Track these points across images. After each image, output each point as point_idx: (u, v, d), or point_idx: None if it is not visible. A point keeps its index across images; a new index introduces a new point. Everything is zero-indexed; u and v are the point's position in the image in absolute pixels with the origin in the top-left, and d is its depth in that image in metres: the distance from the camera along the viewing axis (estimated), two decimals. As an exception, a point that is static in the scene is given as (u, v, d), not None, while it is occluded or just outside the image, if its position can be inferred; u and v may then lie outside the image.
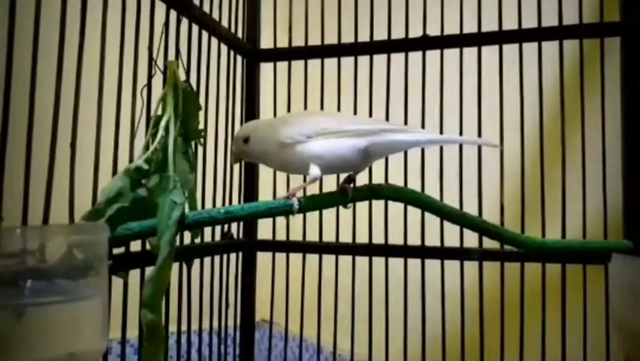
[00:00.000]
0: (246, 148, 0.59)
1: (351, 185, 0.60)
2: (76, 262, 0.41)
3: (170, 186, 0.51)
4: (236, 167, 0.80)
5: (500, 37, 0.73)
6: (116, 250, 0.55)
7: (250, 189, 0.83)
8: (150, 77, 0.60)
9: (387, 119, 0.77)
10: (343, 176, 0.62)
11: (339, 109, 0.80)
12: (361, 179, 0.73)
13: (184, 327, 0.66)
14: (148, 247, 0.58)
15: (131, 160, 0.56)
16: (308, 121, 0.57)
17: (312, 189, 0.67)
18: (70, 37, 0.51)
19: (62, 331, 0.40)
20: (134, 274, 0.57)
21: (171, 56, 0.64)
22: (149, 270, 0.53)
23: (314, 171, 0.55)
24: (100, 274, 0.41)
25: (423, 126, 0.75)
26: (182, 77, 0.64)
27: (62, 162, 0.50)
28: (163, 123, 0.53)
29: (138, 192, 0.52)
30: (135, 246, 0.58)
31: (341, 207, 0.74)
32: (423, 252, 0.74)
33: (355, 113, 0.79)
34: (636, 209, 0.67)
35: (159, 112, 0.56)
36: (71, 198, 0.50)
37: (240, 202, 0.80)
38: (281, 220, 0.81)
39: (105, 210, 0.48)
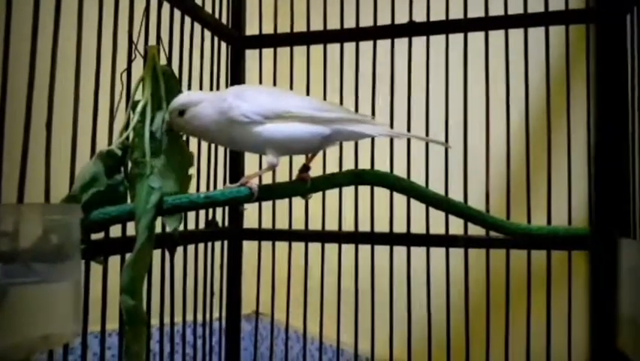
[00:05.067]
0: (181, 121, 0.54)
1: (309, 173, 0.58)
2: (48, 244, 0.40)
3: (147, 172, 0.50)
4: (221, 153, 0.79)
5: (486, 23, 0.73)
6: (95, 236, 0.54)
7: (235, 175, 0.82)
8: (130, 61, 0.59)
9: (373, 105, 0.77)
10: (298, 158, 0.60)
11: (324, 96, 0.80)
12: (347, 164, 0.73)
13: (167, 319, 0.66)
14: (128, 232, 0.57)
15: (110, 145, 0.55)
16: (264, 99, 0.53)
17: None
18: (45, 19, 0.50)
19: (36, 313, 0.39)
20: (115, 264, 0.56)
21: (152, 42, 0.62)
22: (129, 256, 0.52)
23: (272, 159, 0.53)
24: (72, 256, 0.41)
25: (409, 111, 0.74)
26: (164, 63, 0.63)
27: (37, 146, 0.49)
28: (139, 108, 0.52)
29: (116, 178, 0.51)
30: (116, 232, 0.57)
31: (336, 197, 0.75)
32: (408, 239, 0.74)
33: (342, 99, 0.78)
34: (619, 196, 0.67)
35: (137, 97, 0.55)
36: (47, 184, 0.49)
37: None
38: (268, 208, 0.80)
39: (81, 196, 0.48)
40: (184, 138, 0.61)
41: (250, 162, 0.83)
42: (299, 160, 0.61)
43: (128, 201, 0.55)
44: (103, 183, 0.49)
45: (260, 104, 0.52)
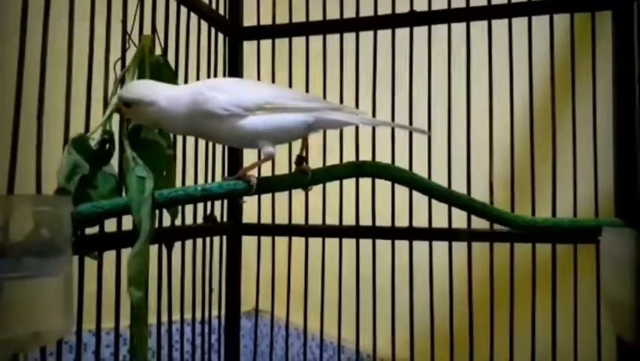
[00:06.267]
0: (127, 111, 0.52)
1: (309, 165, 0.57)
2: (39, 237, 0.39)
3: (131, 165, 0.49)
4: (219, 147, 0.78)
5: (489, 12, 0.71)
6: (90, 231, 0.52)
7: (234, 167, 0.80)
8: (124, 51, 0.58)
9: (373, 96, 0.75)
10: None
11: (324, 87, 0.78)
12: (347, 156, 0.72)
13: (164, 317, 0.64)
14: (124, 227, 0.56)
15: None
16: (242, 91, 0.52)
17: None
18: (35, 7, 0.48)
19: (26, 309, 0.38)
20: (110, 260, 0.55)
21: (147, 33, 0.61)
22: (125, 251, 0.51)
23: (268, 149, 0.52)
24: (64, 250, 0.39)
25: (411, 102, 0.73)
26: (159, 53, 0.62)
27: (28, 137, 0.47)
28: (114, 99, 0.51)
29: (104, 170, 0.50)
30: (110, 227, 0.56)
31: (337, 191, 0.74)
32: (411, 233, 0.72)
33: (341, 90, 0.77)
34: (627, 187, 0.65)
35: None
36: (38, 176, 0.48)
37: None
38: (267, 202, 0.79)
39: (68, 186, 0.46)
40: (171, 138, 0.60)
41: (249, 154, 0.81)
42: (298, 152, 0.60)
43: (123, 194, 0.53)
44: (85, 168, 0.48)
45: (238, 96, 0.51)
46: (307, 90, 0.79)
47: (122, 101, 0.51)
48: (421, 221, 0.72)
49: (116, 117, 0.54)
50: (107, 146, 0.52)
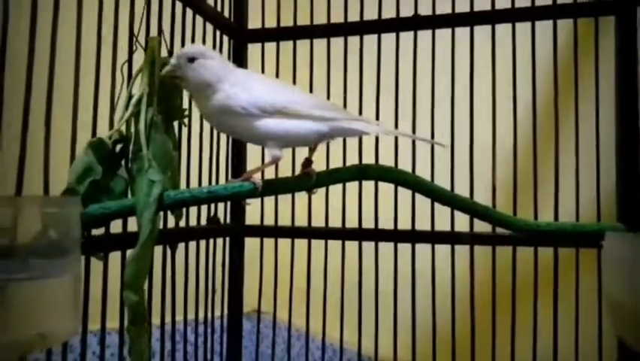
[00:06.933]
0: (188, 68, 0.51)
1: (314, 167, 0.57)
2: (47, 238, 0.39)
3: (145, 166, 0.49)
4: (223, 148, 0.78)
5: (493, 17, 0.72)
6: (96, 231, 0.53)
7: (238, 170, 0.81)
8: (131, 53, 0.58)
9: (377, 99, 0.75)
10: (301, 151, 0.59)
11: (328, 91, 0.78)
12: (350, 159, 0.72)
13: (168, 318, 0.64)
14: (129, 228, 0.56)
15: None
16: (263, 92, 0.52)
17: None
18: (44, 11, 0.49)
19: (33, 310, 0.38)
20: (116, 260, 0.55)
21: (153, 35, 0.61)
22: (130, 252, 0.51)
23: (275, 152, 0.52)
24: (72, 251, 0.39)
25: (414, 106, 0.73)
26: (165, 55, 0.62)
27: (36, 140, 0.48)
28: (134, 100, 0.51)
29: (116, 172, 0.50)
30: (116, 228, 0.56)
31: (340, 194, 0.74)
32: (413, 236, 0.73)
33: (345, 94, 0.77)
34: (630, 191, 0.66)
35: (134, 89, 0.54)
36: (46, 179, 0.48)
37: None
38: (270, 205, 0.79)
39: (78, 188, 0.47)
40: (176, 136, 0.60)
41: (252, 156, 0.82)
42: (302, 155, 0.60)
43: (129, 196, 0.54)
44: (98, 172, 0.48)
45: (259, 97, 0.51)
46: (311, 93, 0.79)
47: (186, 57, 0.51)
48: (423, 224, 0.72)
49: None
50: (119, 147, 0.53)
